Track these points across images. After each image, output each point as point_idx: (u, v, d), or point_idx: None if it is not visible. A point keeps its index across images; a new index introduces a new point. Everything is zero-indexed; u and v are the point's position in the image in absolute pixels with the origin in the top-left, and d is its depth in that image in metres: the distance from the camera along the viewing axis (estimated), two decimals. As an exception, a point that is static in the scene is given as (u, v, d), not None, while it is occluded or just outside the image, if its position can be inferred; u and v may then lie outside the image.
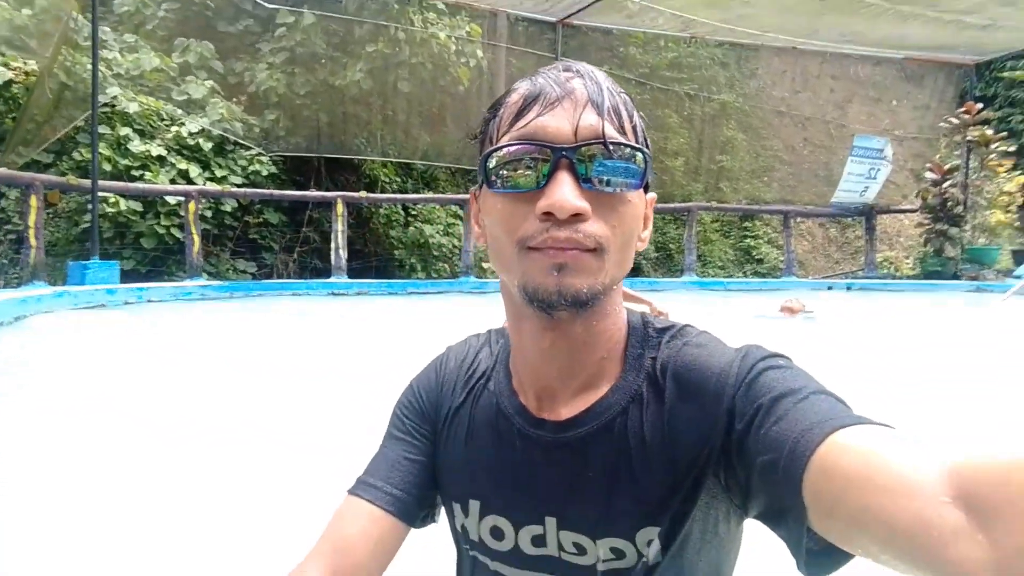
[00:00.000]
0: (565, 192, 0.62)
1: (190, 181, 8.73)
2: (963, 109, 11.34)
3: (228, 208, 9.22)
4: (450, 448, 0.81)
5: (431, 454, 0.82)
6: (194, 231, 8.30)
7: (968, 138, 11.11)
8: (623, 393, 0.71)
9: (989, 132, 11.04)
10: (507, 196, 0.66)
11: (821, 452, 0.52)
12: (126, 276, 7.77)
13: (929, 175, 11.22)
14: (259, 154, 9.71)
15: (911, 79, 14.03)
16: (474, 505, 0.77)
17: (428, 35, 10.26)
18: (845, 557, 0.53)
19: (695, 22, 11.49)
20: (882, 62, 13.79)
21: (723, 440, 0.63)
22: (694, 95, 13.56)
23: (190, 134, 8.95)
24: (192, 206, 8.27)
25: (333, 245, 9.27)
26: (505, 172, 0.66)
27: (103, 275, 7.17)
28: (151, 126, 8.92)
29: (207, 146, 9.08)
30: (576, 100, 0.65)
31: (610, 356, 0.72)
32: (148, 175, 8.40)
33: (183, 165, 8.76)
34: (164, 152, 8.65)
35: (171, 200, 8.46)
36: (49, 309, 6.02)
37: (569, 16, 11.29)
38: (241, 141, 9.56)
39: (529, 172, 0.64)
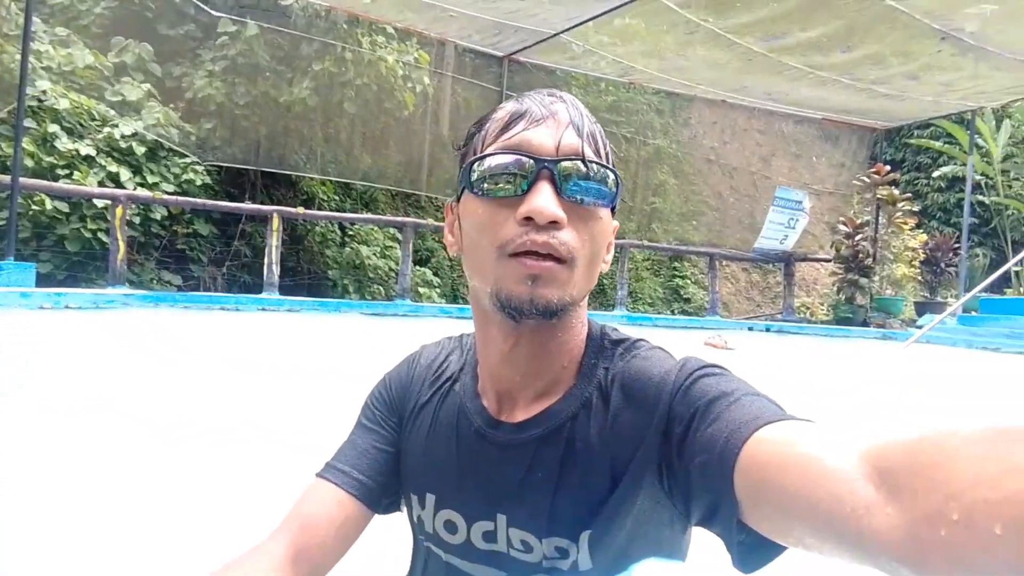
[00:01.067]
0: (545, 199, 0.66)
1: (119, 185, 8.38)
2: (873, 169, 12.24)
3: (157, 216, 8.88)
4: (413, 441, 0.84)
5: (397, 445, 0.86)
6: (120, 237, 7.95)
7: (878, 196, 11.99)
8: (574, 400, 0.74)
9: (896, 192, 11.96)
10: (489, 201, 0.69)
11: (747, 448, 0.55)
12: (42, 280, 7.34)
13: (842, 228, 12.00)
14: (194, 163, 9.43)
15: (828, 138, 15.06)
16: (430, 498, 0.81)
17: (376, 58, 10.30)
18: (777, 549, 0.56)
19: (634, 69, 11.99)
20: (803, 121, 14.74)
21: (661, 444, 0.66)
22: (631, 138, 14.09)
23: (123, 136, 8.62)
24: (119, 211, 7.93)
25: (266, 260, 9.04)
26: (489, 180, 0.69)
27: (17, 277, 6.76)
28: (81, 124, 8.54)
29: (140, 150, 8.76)
30: (559, 121, 0.71)
31: (569, 366, 0.76)
32: (76, 175, 8.01)
33: (113, 168, 8.41)
34: (93, 152, 8.29)
35: (98, 203, 8.09)
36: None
37: (515, 52, 11.58)
38: (176, 148, 9.26)
39: (512, 180, 0.68)
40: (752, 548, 0.57)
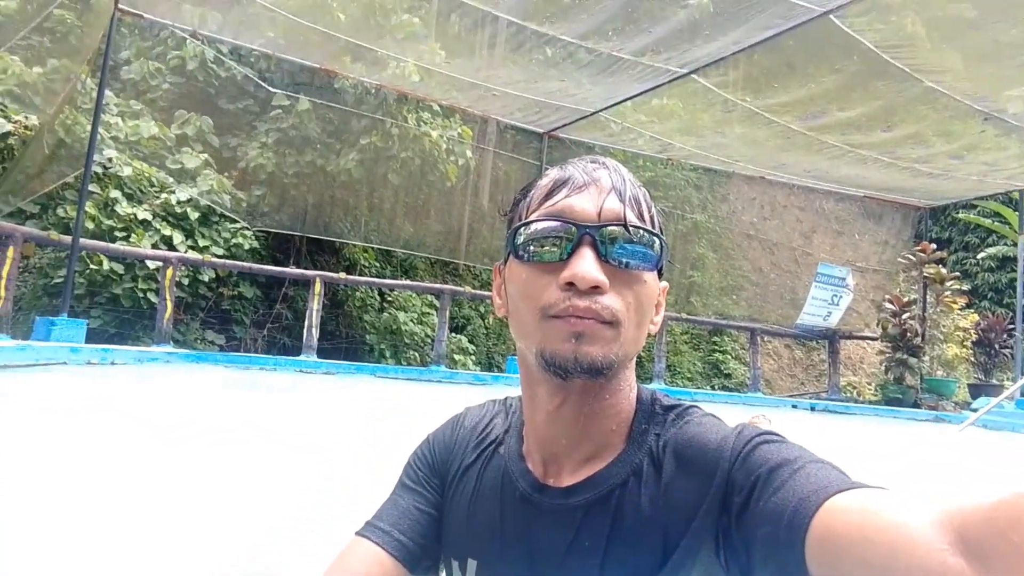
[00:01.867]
0: (586, 265, 0.67)
1: (172, 247, 8.74)
2: (919, 248, 12.03)
3: (205, 278, 9.19)
4: (456, 504, 0.83)
5: (439, 507, 0.85)
6: (168, 297, 8.22)
7: (924, 274, 11.72)
8: (624, 466, 0.73)
9: (943, 271, 11.68)
10: (533, 266, 0.71)
11: (819, 518, 0.53)
12: (93, 335, 7.58)
13: (888, 306, 11.71)
14: (243, 228, 9.81)
15: (871, 216, 14.92)
16: (472, 564, 0.78)
17: (421, 133, 10.72)
18: None
19: (672, 146, 12.19)
20: (844, 198, 14.69)
21: (720, 513, 0.64)
22: (669, 212, 14.20)
23: (178, 202, 9.05)
24: (170, 272, 8.23)
25: (307, 323, 9.21)
26: (533, 245, 0.71)
27: (69, 333, 7.00)
28: (140, 190, 9.02)
29: (193, 215, 9.17)
30: (601, 187, 0.72)
31: (618, 429, 0.75)
32: (133, 238, 8.40)
33: (167, 231, 8.80)
34: (150, 217, 8.71)
35: (150, 264, 8.43)
36: (8, 363, 5.82)
37: (555, 129, 11.93)
38: (227, 213, 9.67)
39: (555, 246, 0.70)
40: None
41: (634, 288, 0.70)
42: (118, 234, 8.42)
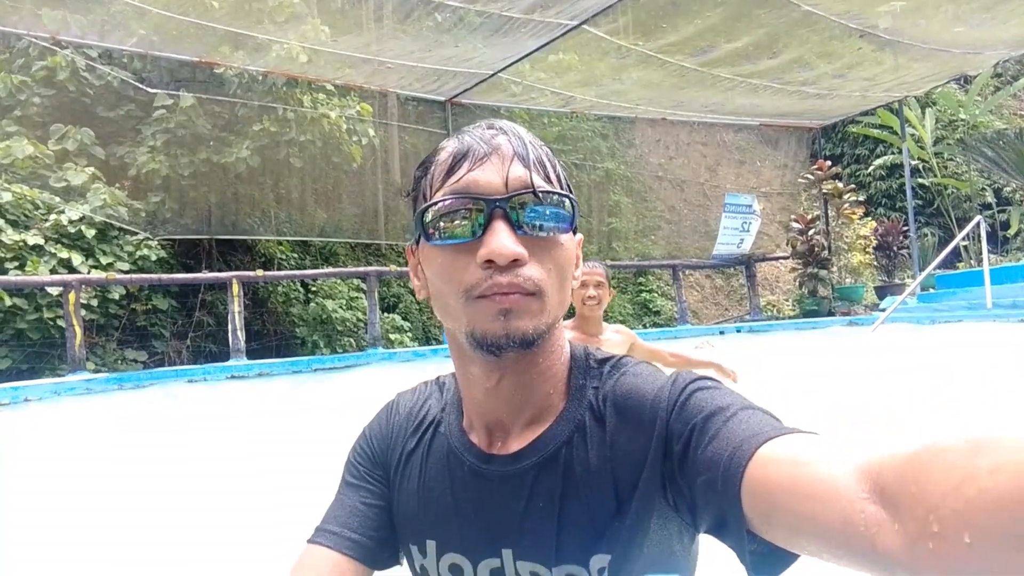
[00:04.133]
0: (503, 239, 0.65)
1: (73, 270, 8.21)
2: (816, 167, 12.66)
3: (115, 296, 8.71)
4: (405, 492, 0.82)
5: (387, 498, 0.84)
6: (75, 323, 7.74)
7: (823, 191, 12.38)
8: (567, 423, 0.73)
9: (840, 185, 12.36)
10: (446, 248, 0.69)
11: (752, 467, 0.55)
12: (3, 376, 7.10)
13: (795, 225, 12.32)
14: (146, 239, 9.31)
15: (768, 142, 15.54)
16: (431, 545, 0.79)
17: (318, 115, 10.37)
18: (791, 557, 0.57)
19: (574, 99, 12.29)
20: (742, 128, 15.22)
21: (663, 462, 0.66)
22: (580, 164, 14.35)
23: (70, 221, 8.47)
24: (72, 296, 7.74)
25: (230, 327, 8.89)
26: (442, 225, 0.69)
27: (-29, 375, 6.53)
28: (25, 215, 8.38)
29: (90, 233, 8.60)
30: (503, 155, 0.70)
31: (556, 390, 0.75)
32: (28, 266, 7.84)
33: (64, 254, 8.23)
34: (42, 241, 8.13)
35: (52, 291, 7.91)
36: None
37: (457, 95, 11.79)
38: (126, 227, 9.14)
39: (465, 224, 0.68)
40: (765, 557, 0.57)
41: (552, 253, 0.69)
42: (8, 265, 7.84)
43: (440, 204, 0.69)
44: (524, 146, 0.71)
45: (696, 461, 0.61)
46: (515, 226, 0.67)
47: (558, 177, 0.73)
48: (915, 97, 13.58)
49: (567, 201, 0.70)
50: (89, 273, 8.33)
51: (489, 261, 0.65)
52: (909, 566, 0.42)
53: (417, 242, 0.75)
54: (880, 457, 0.46)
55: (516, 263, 0.65)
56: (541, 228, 0.68)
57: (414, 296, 12.00)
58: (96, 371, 8.08)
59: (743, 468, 0.55)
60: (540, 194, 0.68)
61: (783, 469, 0.53)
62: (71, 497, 2.92)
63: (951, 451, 0.41)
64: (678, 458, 0.63)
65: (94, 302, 8.40)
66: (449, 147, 0.73)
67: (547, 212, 0.68)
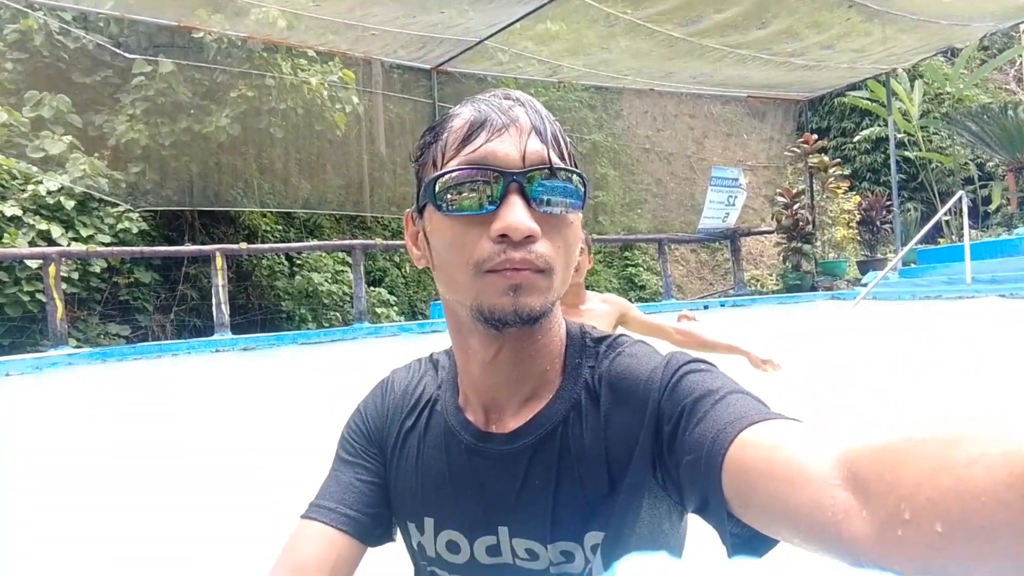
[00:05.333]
0: (519, 214, 0.64)
1: (52, 242, 8.08)
2: (802, 139, 12.66)
3: (97, 269, 8.58)
4: (402, 470, 0.82)
5: (383, 475, 0.84)
6: (56, 296, 7.65)
7: (809, 164, 12.40)
8: (563, 402, 0.74)
9: (826, 159, 12.39)
10: (458, 219, 0.67)
11: (733, 450, 0.56)
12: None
13: (780, 199, 12.36)
14: (128, 210, 9.15)
15: (755, 115, 15.51)
16: (428, 522, 0.79)
17: (299, 81, 10.15)
18: (770, 542, 0.58)
19: (561, 68, 12.14)
20: (730, 100, 15.16)
21: (654, 442, 0.67)
22: (567, 136, 14.23)
23: (49, 192, 8.30)
24: (52, 269, 7.63)
25: (214, 301, 8.82)
26: (455, 195, 0.67)
27: (-49, 350, 6.44)
28: (2, 186, 8.20)
29: (69, 204, 8.45)
30: (521, 127, 0.68)
31: (552, 367, 0.76)
32: (5, 238, 7.69)
33: (43, 226, 8.09)
34: (19, 213, 7.97)
35: (31, 264, 7.78)
36: None
37: (443, 63, 11.60)
38: (106, 197, 8.97)
39: (481, 195, 0.66)
40: (745, 540, 0.58)
41: (563, 232, 0.69)
42: (-14, 236, 7.70)
43: (456, 173, 0.67)
44: (541, 120, 0.70)
45: (684, 442, 0.62)
46: (531, 201, 0.66)
47: (570, 154, 0.72)
48: (904, 69, 13.55)
49: (579, 178, 0.70)
50: (69, 245, 8.20)
51: (503, 235, 0.65)
52: (874, 553, 0.42)
53: (420, 211, 0.73)
54: (856, 446, 0.47)
55: (529, 239, 0.65)
56: (555, 205, 0.68)
57: (400, 270, 11.95)
58: (78, 346, 8.01)
59: (724, 451, 0.56)
60: (555, 171, 0.67)
61: (760, 452, 0.54)
62: (52, 474, 2.91)
63: (928, 442, 0.41)
64: (667, 439, 0.64)
65: (75, 275, 8.29)
66: (464, 114, 0.71)
67: (562, 189, 0.68)
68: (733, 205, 12.50)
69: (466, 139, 0.69)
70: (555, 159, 0.68)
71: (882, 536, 0.42)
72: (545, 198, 0.67)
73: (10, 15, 8.84)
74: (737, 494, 0.55)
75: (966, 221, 9.29)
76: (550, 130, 0.70)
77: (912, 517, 0.39)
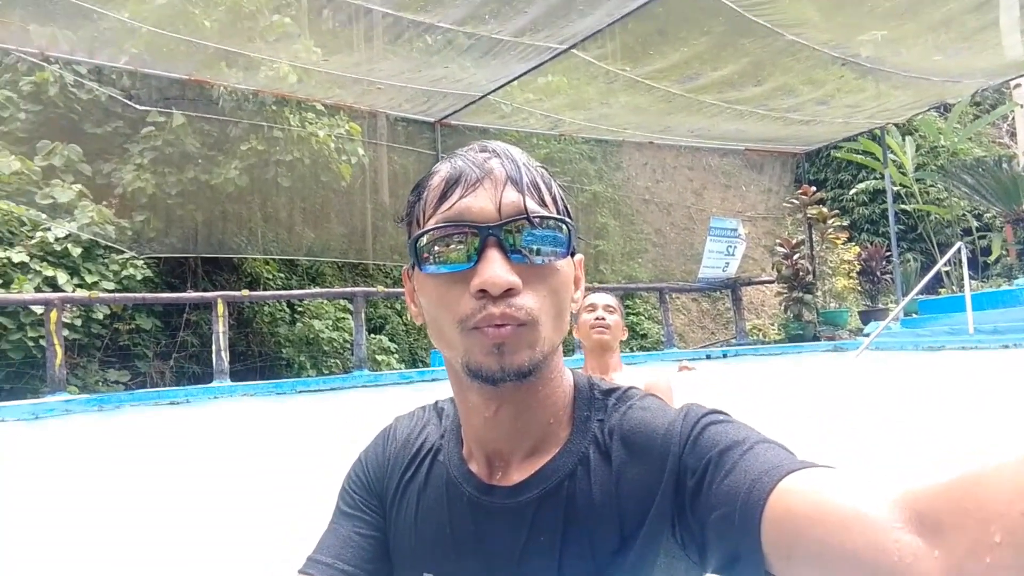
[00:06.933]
0: (496, 269, 0.63)
1: (58, 289, 8.13)
2: (801, 191, 12.83)
3: (99, 315, 8.61)
4: (401, 522, 0.80)
5: (383, 528, 0.81)
6: (56, 342, 7.64)
7: (808, 216, 12.53)
8: (570, 456, 0.71)
9: (824, 210, 12.53)
10: (440, 277, 0.67)
11: (773, 500, 0.53)
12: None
13: (780, 249, 12.45)
14: (132, 258, 9.23)
15: (754, 167, 15.75)
16: None
17: (307, 133, 10.37)
18: None
19: (562, 121, 12.41)
20: (728, 153, 15.42)
21: (674, 498, 0.64)
22: (567, 187, 14.34)
23: (56, 239, 8.40)
24: (54, 315, 7.65)
25: (214, 348, 8.80)
26: (436, 252, 0.67)
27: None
28: (11, 232, 8.30)
29: (76, 251, 8.53)
30: (496, 179, 0.67)
31: (557, 419, 0.73)
32: (14, 285, 7.75)
33: (49, 272, 8.16)
34: (27, 259, 8.05)
35: (36, 310, 7.82)
36: None
37: (446, 117, 11.86)
38: (112, 244, 9.06)
39: (459, 251, 0.66)
40: None
41: (548, 281, 0.67)
42: (-9, 282, 7.75)
43: (433, 232, 0.67)
44: (517, 169, 0.69)
45: (711, 496, 0.59)
46: (509, 253, 0.65)
47: (554, 199, 0.71)
48: (896, 124, 13.83)
49: (563, 225, 0.68)
50: (74, 292, 8.24)
51: (483, 291, 0.63)
52: None
53: (413, 267, 0.73)
54: (916, 487, 0.45)
55: (510, 292, 0.63)
56: (537, 253, 0.66)
57: (401, 317, 11.96)
58: (77, 392, 7.96)
59: (764, 500, 0.54)
60: (534, 219, 0.66)
61: (808, 499, 0.51)
62: (41, 526, 2.86)
63: (1008, 465, 0.39)
64: (691, 494, 0.62)
65: (77, 321, 8.31)
66: (442, 171, 0.71)
67: (542, 237, 0.67)
68: (732, 255, 12.57)
69: (443, 196, 0.69)
70: (534, 207, 0.67)
71: (963, 569, 0.40)
72: (525, 248, 0.66)
73: (27, 67, 9.10)
74: (778, 546, 0.52)
75: (966, 272, 9.33)
76: (527, 178, 0.69)
77: (1005, 539, 0.37)
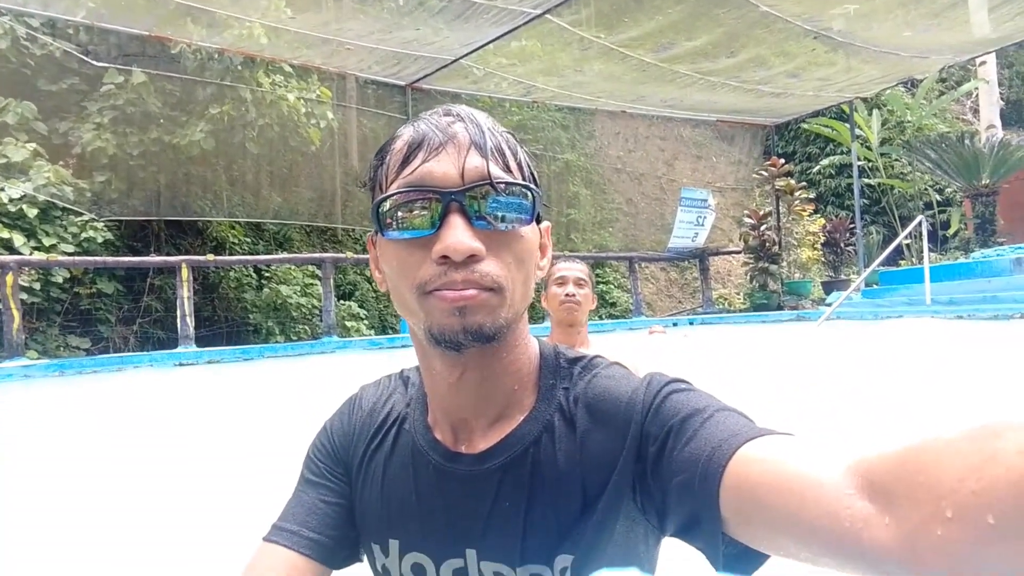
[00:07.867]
0: (458, 234, 0.62)
1: (14, 251, 7.87)
2: (769, 163, 12.97)
3: (58, 279, 8.37)
4: (368, 490, 0.80)
5: (348, 496, 0.81)
6: (13, 306, 7.44)
7: (776, 187, 12.69)
8: (535, 423, 0.72)
9: (792, 182, 12.70)
10: (402, 243, 0.66)
11: (732, 467, 0.54)
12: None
13: (748, 220, 12.62)
14: (92, 220, 8.96)
15: (724, 138, 15.85)
16: (394, 544, 0.77)
17: (276, 97, 10.09)
18: (761, 558, 0.56)
19: (536, 88, 12.29)
20: (700, 124, 15.47)
21: (635, 464, 0.65)
22: (540, 154, 14.36)
23: (11, 200, 8.10)
24: (10, 278, 7.43)
25: (179, 313, 8.65)
26: (397, 218, 0.66)
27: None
28: (-38, 193, 8.00)
29: (32, 212, 8.24)
30: (459, 144, 0.66)
31: (522, 387, 0.73)
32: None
33: (5, 234, 7.88)
34: (-21, 221, 7.78)
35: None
36: None
37: (418, 80, 11.66)
38: (70, 206, 8.78)
39: (421, 217, 0.65)
40: (737, 558, 0.57)
41: (512, 247, 0.66)
42: (-57, 244, 7.48)
43: (395, 197, 0.66)
44: (482, 134, 0.67)
45: (672, 462, 0.60)
46: (472, 219, 0.64)
47: (519, 165, 0.70)
48: (863, 99, 13.99)
49: (528, 191, 0.67)
50: (31, 255, 8.00)
51: (444, 257, 0.63)
52: (904, 558, 0.41)
53: (376, 233, 0.72)
54: (869, 456, 0.47)
55: (473, 258, 0.63)
56: (501, 220, 0.65)
57: (371, 284, 11.88)
58: (36, 357, 7.79)
59: (723, 467, 0.55)
60: (498, 185, 0.65)
61: (764, 467, 0.52)
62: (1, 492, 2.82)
63: (962, 439, 0.40)
64: (652, 460, 0.63)
65: (36, 285, 8.08)
66: (404, 135, 0.70)
67: (506, 203, 0.65)
68: (702, 225, 12.71)
69: (405, 161, 0.67)
70: (499, 172, 0.66)
71: (915, 540, 0.41)
72: (489, 214, 0.65)
73: (-27, 20, 8.67)
74: (737, 511, 0.54)
75: (926, 245, 9.57)
76: (492, 143, 0.67)
77: (956, 514, 0.38)
